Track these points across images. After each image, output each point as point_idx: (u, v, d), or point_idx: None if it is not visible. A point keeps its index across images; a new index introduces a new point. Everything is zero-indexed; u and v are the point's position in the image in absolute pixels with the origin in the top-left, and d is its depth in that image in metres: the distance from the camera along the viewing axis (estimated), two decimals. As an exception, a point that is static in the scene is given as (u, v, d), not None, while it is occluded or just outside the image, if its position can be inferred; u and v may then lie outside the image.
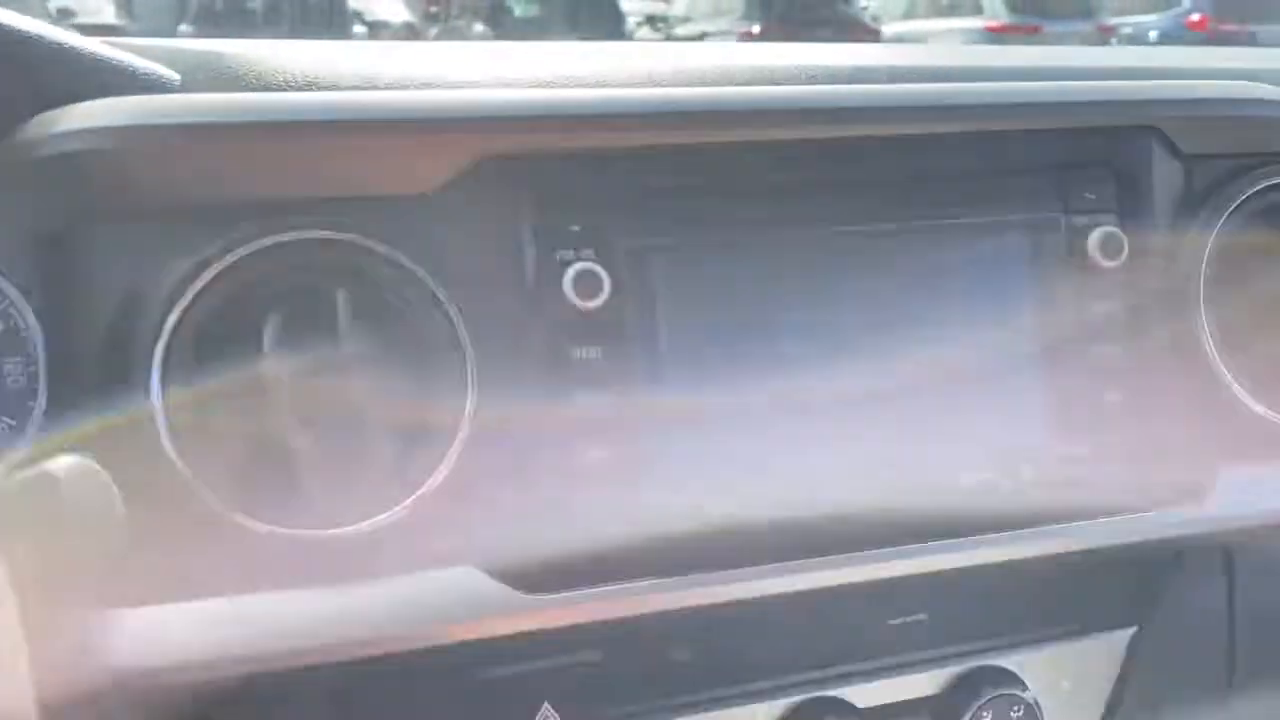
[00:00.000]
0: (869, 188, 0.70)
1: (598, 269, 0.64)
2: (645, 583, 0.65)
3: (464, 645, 0.63)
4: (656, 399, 0.66)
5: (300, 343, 0.62)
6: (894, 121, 0.69)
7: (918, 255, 0.70)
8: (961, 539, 0.68)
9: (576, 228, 0.65)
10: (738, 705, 0.76)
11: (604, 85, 0.74)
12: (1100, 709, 0.85)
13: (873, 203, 0.70)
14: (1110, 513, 0.71)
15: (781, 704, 0.77)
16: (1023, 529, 0.69)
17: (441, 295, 0.63)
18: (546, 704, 0.69)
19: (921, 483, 0.69)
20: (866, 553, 0.68)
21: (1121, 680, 0.85)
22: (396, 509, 0.62)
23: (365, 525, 0.61)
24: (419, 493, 0.62)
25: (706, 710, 0.75)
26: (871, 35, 11.16)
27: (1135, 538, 0.72)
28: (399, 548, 0.62)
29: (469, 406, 0.63)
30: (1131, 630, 0.85)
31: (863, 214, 0.70)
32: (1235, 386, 0.74)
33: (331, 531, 0.61)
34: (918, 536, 0.68)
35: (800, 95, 0.70)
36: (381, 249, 0.62)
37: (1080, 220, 0.73)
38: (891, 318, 0.70)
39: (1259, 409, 0.74)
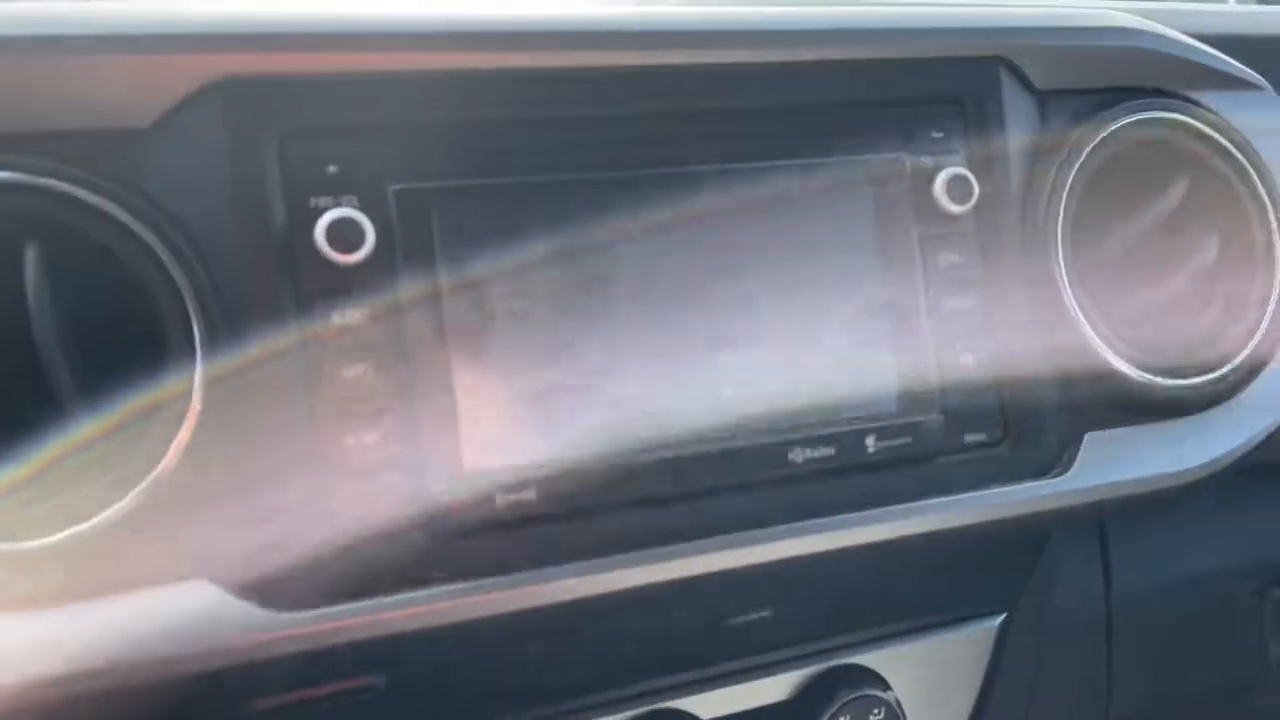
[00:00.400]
0: (684, 123, 0.61)
1: (359, 217, 0.54)
2: (427, 591, 0.54)
3: (205, 675, 0.52)
4: (436, 370, 0.55)
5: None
6: (711, 46, 0.60)
7: (744, 201, 0.61)
8: (798, 524, 0.60)
9: (333, 168, 0.54)
10: (567, 726, 0.66)
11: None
12: (970, 704, 0.78)
13: (689, 141, 0.61)
14: (966, 488, 0.64)
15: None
16: (866, 510, 0.61)
17: (162, 253, 0.51)
18: (321, 740, 0.59)
19: (753, 460, 0.60)
20: (694, 544, 0.59)
21: (991, 671, 0.78)
22: (109, 513, 0.50)
23: (71, 533, 0.50)
24: (135, 492, 0.50)
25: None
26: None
27: (995, 515, 0.64)
28: (114, 559, 0.51)
29: (198, 387, 0.51)
30: (1000, 618, 0.78)
31: (677, 153, 0.60)
32: (1098, 343, 0.67)
33: (29, 544, 0.49)
34: (750, 523, 0.59)
35: (605, 18, 0.60)
36: (84, 196, 0.51)
37: (926, 161, 0.65)
38: (714, 273, 0.61)
39: (1124, 367, 0.67)
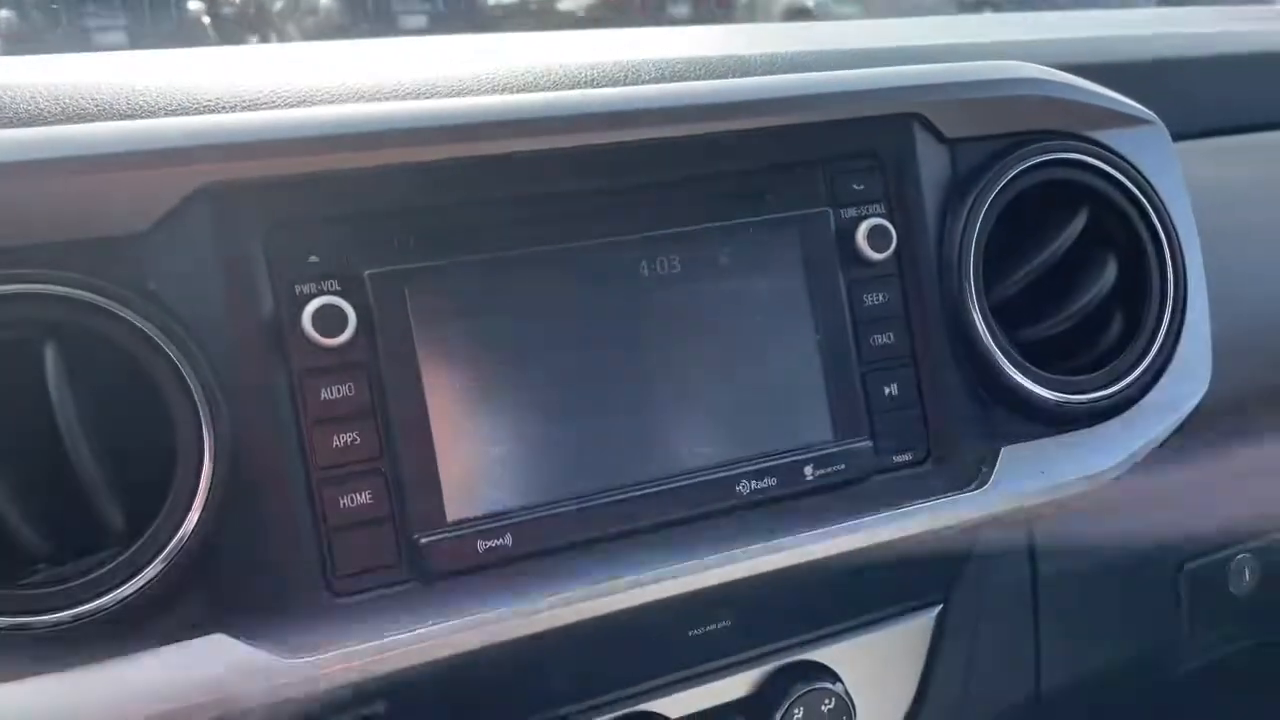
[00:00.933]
0: (628, 195, 0.67)
1: (340, 303, 0.60)
2: (421, 631, 0.61)
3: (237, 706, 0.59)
4: (418, 434, 0.62)
5: (7, 407, 0.56)
6: (650, 124, 0.67)
7: (688, 261, 0.68)
8: (747, 548, 0.67)
9: (314, 258, 0.61)
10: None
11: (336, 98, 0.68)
12: (912, 688, 0.87)
13: (634, 211, 0.67)
14: (895, 505, 0.71)
15: (590, 726, 0.75)
16: (806, 533, 0.68)
17: (166, 345, 0.57)
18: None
19: (705, 494, 0.67)
20: (656, 571, 0.66)
21: (931, 658, 0.87)
22: (133, 583, 0.56)
23: (95, 604, 0.56)
24: (155, 562, 0.57)
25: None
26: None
27: (922, 529, 0.72)
28: (139, 623, 0.57)
29: (207, 463, 0.58)
30: (937, 609, 0.86)
31: (625, 223, 0.67)
32: (1009, 368, 0.74)
33: (54, 616, 0.55)
34: (705, 551, 0.66)
35: (549, 103, 0.66)
36: (93, 299, 0.57)
37: (848, 213, 0.72)
38: (664, 328, 0.67)
39: (1033, 387, 0.75)
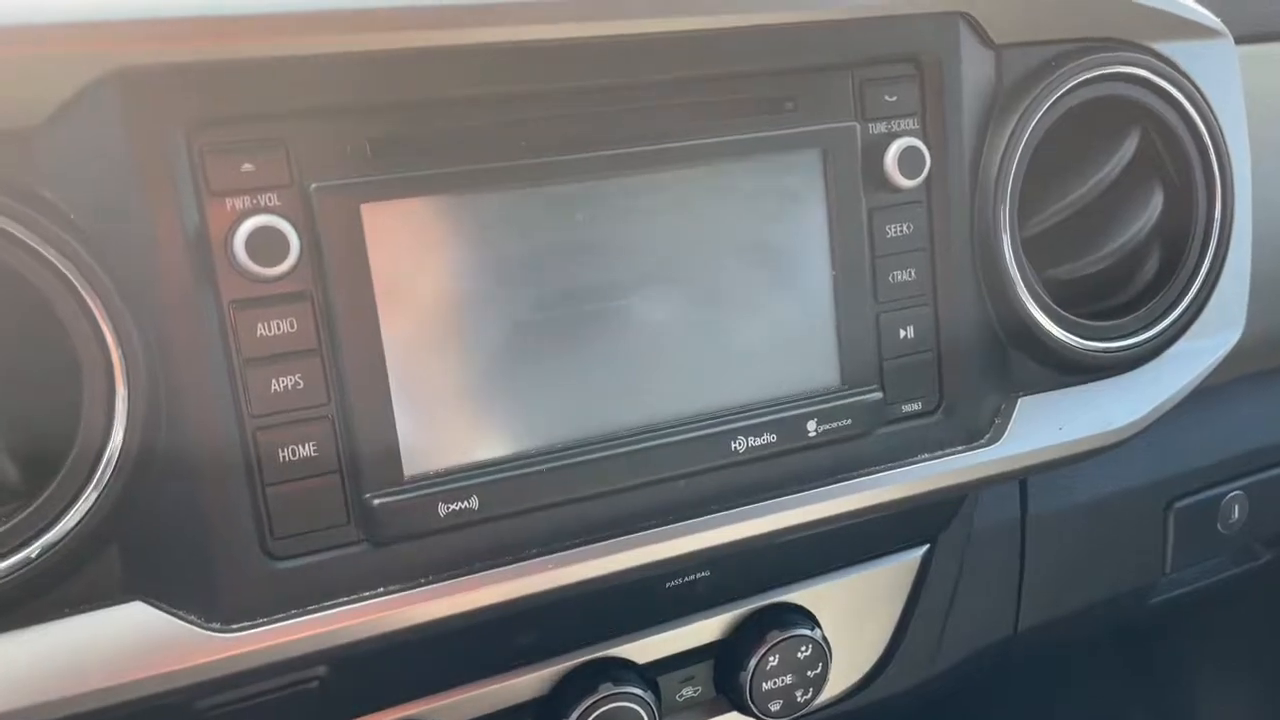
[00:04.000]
0: (623, 98, 0.56)
1: (280, 224, 0.50)
2: (371, 601, 0.54)
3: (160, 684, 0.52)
4: (371, 380, 0.53)
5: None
6: (652, 14, 0.55)
7: (688, 180, 0.58)
8: (732, 513, 0.60)
9: (249, 166, 0.50)
10: (511, 677, 0.68)
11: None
12: (890, 630, 0.83)
13: (630, 118, 0.57)
14: (899, 461, 0.64)
15: (555, 670, 0.70)
16: (799, 493, 0.62)
17: (65, 266, 0.47)
18: (269, 728, 0.60)
19: (694, 452, 0.59)
20: (631, 537, 0.59)
21: (913, 598, 0.82)
22: (34, 546, 0.48)
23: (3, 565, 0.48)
24: (65, 519, 0.48)
25: (473, 686, 0.67)
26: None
27: (925, 488, 0.65)
28: (45, 589, 0.49)
29: (120, 408, 0.48)
30: (923, 549, 0.81)
31: (617, 132, 0.56)
32: (1035, 312, 0.66)
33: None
34: (687, 514, 0.60)
35: None
36: None
37: (878, 129, 0.62)
38: (656, 258, 0.58)
39: (1059, 334, 0.68)
